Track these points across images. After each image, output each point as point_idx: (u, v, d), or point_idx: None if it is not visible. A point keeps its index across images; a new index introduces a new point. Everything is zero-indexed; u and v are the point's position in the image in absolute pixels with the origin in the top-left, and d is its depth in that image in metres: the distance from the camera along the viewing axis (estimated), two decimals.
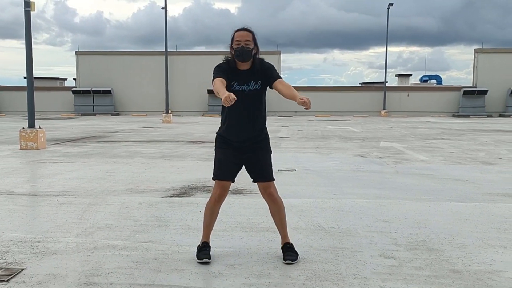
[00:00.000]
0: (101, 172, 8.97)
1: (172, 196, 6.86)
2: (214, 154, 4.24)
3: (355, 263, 4.09)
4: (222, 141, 4.16)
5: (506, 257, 4.26)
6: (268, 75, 4.06)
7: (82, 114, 40.11)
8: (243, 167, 4.21)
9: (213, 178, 4.17)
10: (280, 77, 4.10)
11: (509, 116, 37.22)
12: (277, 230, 4.36)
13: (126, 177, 8.45)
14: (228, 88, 3.85)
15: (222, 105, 3.95)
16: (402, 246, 4.57)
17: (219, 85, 3.78)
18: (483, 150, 12.92)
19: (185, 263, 4.09)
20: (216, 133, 4.25)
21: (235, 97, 3.52)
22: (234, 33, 3.98)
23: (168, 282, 3.68)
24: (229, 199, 6.38)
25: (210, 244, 4.28)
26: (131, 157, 11.26)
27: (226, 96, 3.50)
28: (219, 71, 3.96)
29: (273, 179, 4.21)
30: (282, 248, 4.26)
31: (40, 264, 4.07)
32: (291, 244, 4.25)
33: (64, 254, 4.33)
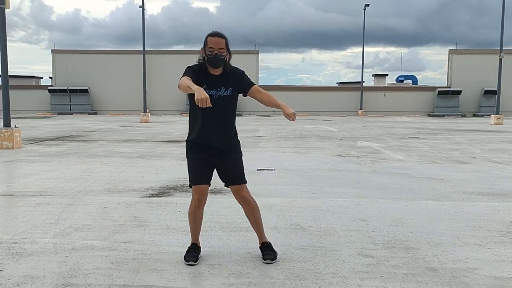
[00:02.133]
0: (78, 172, 8.86)
1: (151, 196, 6.81)
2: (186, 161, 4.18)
3: (334, 262, 4.12)
4: (192, 146, 4.09)
5: (481, 255, 4.33)
6: (241, 83, 4.04)
7: (59, 113, 39.64)
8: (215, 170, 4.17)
9: (190, 185, 4.12)
10: (254, 83, 4.10)
11: (482, 116, 37.85)
12: (257, 231, 4.34)
13: (104, 177, 8.37)
14: None
15: (191, 109, 3.97)
16: (379, 244, 4.62)
17: (188, 80, 3.72)
18: (458, 150, 13.13)
19: (164, 263, 4.07)
20: (186, 140, 4.17)
21: (210, 104, 3.50)
22: (207, 38, 3.92)
23: (147, 283, 3.66)
24: (208, 199, 6.36)
25: (200, 245, 4.27)
26: (109, 157, 11.15)
27: (203, 98, 3.46)
28: (189, 72, 3.90)
29: (245, 182, 4.16)
30: (260, 247, 4.26)
31: (16, 265, 4.00)
32: (269, 243, 4.26)
33: (42, 255, 4.26)
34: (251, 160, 9.53)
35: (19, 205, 6.22)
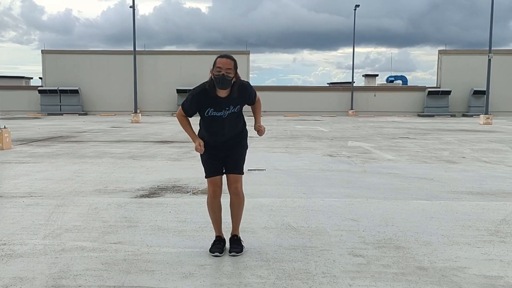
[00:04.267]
0: (68, 173, 8.80)
1: (142, 196, 6.78)
2: (194, 157, 4.36)
3: (325, 262, 4.12)
4: (205, 144, 4.29)
5: (471, 254, 4.35)
6: (248, 98, 4.30)
7: (49, 114, 39.37)
8: None
9: (205, 177, 4.36)
10: (256, 93, 4.42)
11: (472, 116, 38.09)
12: (234, 223, 4.47)
13: (95, 177, 8.32)
14: (202, 114, 4.16)
15: (201, 118, 4.27)
16: (370, 244, 4.63)
17: (186, 126, 4.29)
18: (447, 149, 13.20)
19: (155, 264, 4.05)
20: (198, 136, 4.35)
21: (203, 149, 4.19)
22: (217, 59, 4.05)
23: (138, 284, 3.64)
24: (198, 199, 6.37)
25: (224, 237, 4.45)
26: (100, 157, 11.10)
27: (196, 147, 4.20)
28: (192, 101, 4.15)
29: (243, 173, 4.39)
30: (230, 239, 4.42)
31: (6, 267, 3.97)
32: (239, 237, 4.44)
33: (31, 256, 4.23)
34: None
35: (8, 206, 6.17)
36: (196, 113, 4.22)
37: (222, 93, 4.09)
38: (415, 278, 3.77)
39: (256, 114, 4.52)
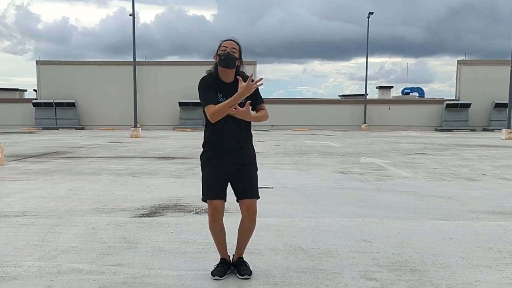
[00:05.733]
0: (65, 191, 8.86)
1: (142, 215, 6.82)
2: (198, 173, 4.28)
3: (336, 286, 4.13)
4: (209, 157, 4.22)
5: (491, 277, 4.35)
6: (254, 97, 4.18)
7: (44, 128, 39.58)
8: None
9: (203, 199, 4.24)
10: (263, 101, 4.32)
11: (493, 130, 37.98)
12: (241, 246, 4.45)
13: (92, 195, 8.38)
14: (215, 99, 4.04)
15: (207, 120, 4.12)
16: (384, 267, 4.63)
17: (219, 106, 3.96)
18: (467, 166, 13.18)
19: None
20: (203, 149, 4.29)
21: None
22: (221, 43, 4.12)
23: None
24: (201, 219, 6.39)
25: (229, 260, 4.43)
26: (97, 174, 11.16)
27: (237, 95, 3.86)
28: (206, 88, 4.08)
29: (258, 197, 4.30)
30: (235, 262, 4.42)
31: None
32: (244, 260, 4.44)
33: (25, 279, 4.27)
34: None
35: (1, 226, 6.21)
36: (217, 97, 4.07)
37: (228, 78, 4.13)
38: None
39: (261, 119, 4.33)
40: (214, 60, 4.15)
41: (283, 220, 6.49)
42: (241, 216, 4.33)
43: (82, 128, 40.49)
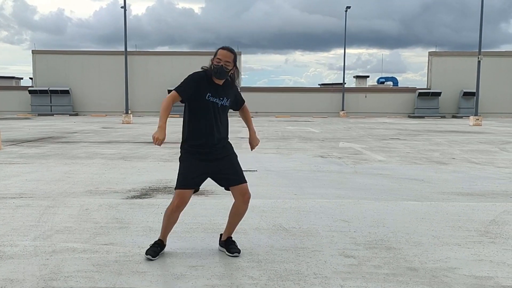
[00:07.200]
0: (59, 174, 8.76)
1: (133, 197, 6.76)
2: (178, 162, 4.23)
3: (316, 263, 4.13)
4: (189, 149, 4.16)
5: (461, 255, 4.38)
6: (238, 101, 4.36)
7: (39, 114, 39.11)
8: (208, 179, 4.24)
9: (175, 188, 4.15)
10: (244, 101, 4.51)
11: (461, 117, 38.33)
12: (232, 227, 4.44)
13: (86, 178, 8.28)
14: (201, 97, 4.02)
15: (190, 112, 4.10)
16: (361, 245, 4.64)
17: (167, 111, 3.99)
18: (438, 150, 13.27)
19: (146, 266, 4.04)
20: (181, 147, 4.23)
21: (162, 142, 3.91)
22: (218, 50, 4.10)
23: (129, 285, 3.62)
24: (190, 200, 6.33)
25: (165, 243, 4.34)
26: (91, 158, 11.05)
27: (159, 139, 3.89)
28: (192, 82, 4.04)
29: (246, 181, 4.28)
30: (225, 241, 4.39)
31: None
32: (233, 239, 4.44)
33: (22, 258, 4.20)
34: None
35: None
36: (191, 97, 4.02)
37: (219, 81, 4.13)
38: (406, 278, 3.79)
39: (248, 122, 4.57)
40: (211, 62, 4.09)
41: (266, 201, 6.48)
42: (234, 201, 4.30)
43: (76, 114, 40.08)
